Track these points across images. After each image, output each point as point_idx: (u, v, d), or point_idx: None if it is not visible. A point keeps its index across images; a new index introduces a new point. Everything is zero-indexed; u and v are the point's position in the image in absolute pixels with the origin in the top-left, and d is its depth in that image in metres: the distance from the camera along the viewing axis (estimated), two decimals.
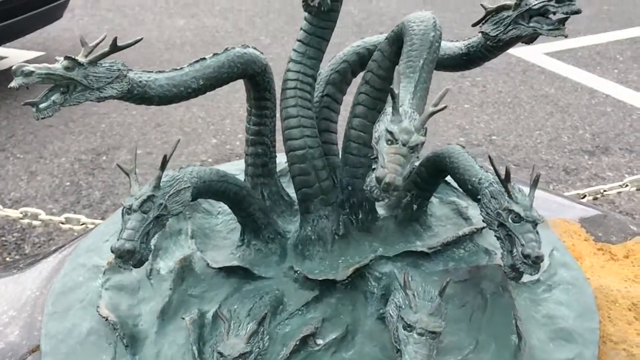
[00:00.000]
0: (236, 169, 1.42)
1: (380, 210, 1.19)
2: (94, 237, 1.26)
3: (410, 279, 0.89)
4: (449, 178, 1.27)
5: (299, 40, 1.14)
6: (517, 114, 4.39)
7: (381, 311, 1.01)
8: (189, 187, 0.95)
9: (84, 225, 2.02)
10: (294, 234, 1.16)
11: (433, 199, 1.27)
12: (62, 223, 2.16)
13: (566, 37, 0.97)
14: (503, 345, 0.97)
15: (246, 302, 1.03)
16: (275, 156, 1.26)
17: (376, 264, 1.08)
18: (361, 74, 1.21)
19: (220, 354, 0.89)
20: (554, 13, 0.97)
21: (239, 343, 0.91)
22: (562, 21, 0.96)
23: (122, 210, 0.91)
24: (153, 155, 4.03)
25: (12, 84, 0.92)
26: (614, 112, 4.36)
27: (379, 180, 0.77)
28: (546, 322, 1.02)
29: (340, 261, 1.10)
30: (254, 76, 1.16)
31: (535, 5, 0.98)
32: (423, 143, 0.82)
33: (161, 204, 0.91)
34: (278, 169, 1.29)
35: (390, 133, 0.80)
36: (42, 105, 0.94)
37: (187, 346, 0.98)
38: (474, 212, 1.24)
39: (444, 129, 4.24)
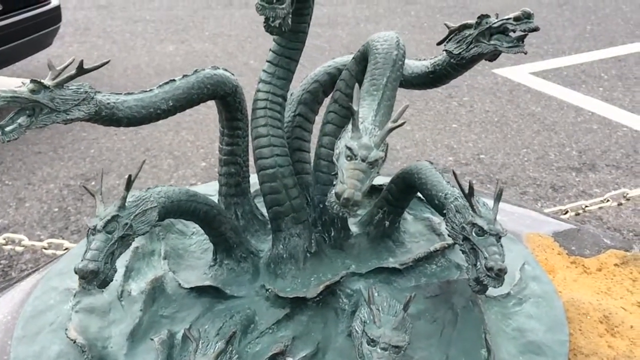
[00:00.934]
0: (213, 189, 1.42)
1: (353, 228, 1.20)
2: (67, 260, 1.26)
3: (375, 294, 0.90)
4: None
5: (268, 61, 1.16)
6: (505, 133, 4.42)
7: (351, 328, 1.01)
8: (155, 206, 0.96)
9: (66, 250, 2.01)
10: (267, 253, 1.17)
11: (407, 216, 1.28)
12: (45, 248, 2.15)
13: (525, 53, 0.99)
14: (473, 359, 0.97)
15: (217, 321, 1.03)
16: (249, 176, 1.26)
17: (348, 281, 1.08)
18: None
19: None
20: (514, 31, 0.99)
21: None
22: (521, 38, 0.98)
23: (87, 231, 0.91)
24: (141, 180, 4.04)
25: None
26: (600, 130, 4.40)
27: (338, 195, 0.78)
28: (516, 336, 1.02)
29: (312, 279, 1.10)
30: (225, 97, 1.17)
31: (495, 23, 1.00)
32: (383, 159, 0.83)
33: (126, 224, 0.91)
34: (253, 190, 1.30)
35: (350, 149, 0.81)
36: (7, 128, 0.95)
37: None
38: None
39: (432, 148, 4.26)
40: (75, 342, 1.01)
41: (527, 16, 0.96)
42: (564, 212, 2.12)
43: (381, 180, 1.33)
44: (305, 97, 1.25)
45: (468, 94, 4.94)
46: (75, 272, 0.86)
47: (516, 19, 0.97)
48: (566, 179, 3.86)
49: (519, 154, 4.14)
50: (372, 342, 0.82)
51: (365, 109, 0.95)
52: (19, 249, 2.15)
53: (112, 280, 0.89)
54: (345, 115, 1.13)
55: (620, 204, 2.10)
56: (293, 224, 1.12)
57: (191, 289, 1.10)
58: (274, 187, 1.11)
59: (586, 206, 2.10)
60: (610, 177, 3.84)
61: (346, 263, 1.13)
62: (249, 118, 1.20)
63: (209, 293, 1.09)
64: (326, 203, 0.83)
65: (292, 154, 1.19)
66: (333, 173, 0.85)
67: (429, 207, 1.31)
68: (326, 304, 1.06)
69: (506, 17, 0.99)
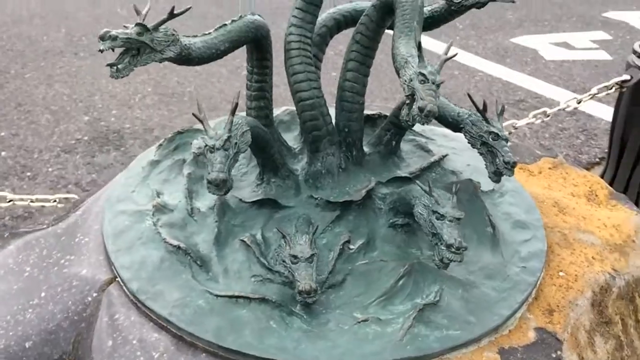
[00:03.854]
0: None
1: (366, 148, 1.51)
2: (119, 190, 1.43)
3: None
4: None
5: (297, 8, 1.41)
6: (380, 79, 4.88)
7: (391, 221, 1.34)
8: (248, 130, 1.19)
9: (55, 203, 2.08)
10: (302, 172, 1.44)
11: None
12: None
13: (514, 2, 1.36)
14: (482, 235, 1.35)
15: (285, 224, 1.30)
16: (273, 108, 1.52)
17: (377, 187, 1.40)
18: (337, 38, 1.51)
19: (294, 256, 1.16)
20: None
21: (306, 248, 1.18)
22: None
23: (204, 149, 1.13)
24: (20, 137, 3.99)
25: (101, 47, 1.10)
26: (461, 75, 5.03)
27: (421, 109, 1.08)
28: (506, 218, 1.42)
29: (347, 188, 1.40)
30: (260, 39, 1.40)
31: None
32: (442, 82, 1.15)
33: (235, 143, 1.15)
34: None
35: (423, 75, 1.12)
36: (120, 66, 1.13)
37: (249, 261, 1.23)
38: (433, 146, 1.61)
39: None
40: (179, 247, 1.23)
41: None
42: None
43: (370, 112, 1.66)
44: (316, 40, 1.52)
45: (343, 42, 5.32)
46: (210, 182, 1.08)
47: None
48: None
49: (395, 99, 4.64)
50: (442, 217, 1.15)
51: (407, 47, 1.25)
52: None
53: (232, 188, 1.12)
54: (365, 54, 1.43)
55: (543, 121, 2.63)
56: (329, 145, 1.41)
57: (252, 202, 1.35)
58: (314, 114, 1.38)
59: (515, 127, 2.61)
60: None
61: (367, 176, 1.45)
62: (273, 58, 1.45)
63: (267, 205, 1.35)
64: (403, 117, 1.13)
65: None
66: (407, 94, 1.14)
67: (412, 130, 1.66)
68: (365, 206, 1.37)
69: None
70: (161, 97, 4.67)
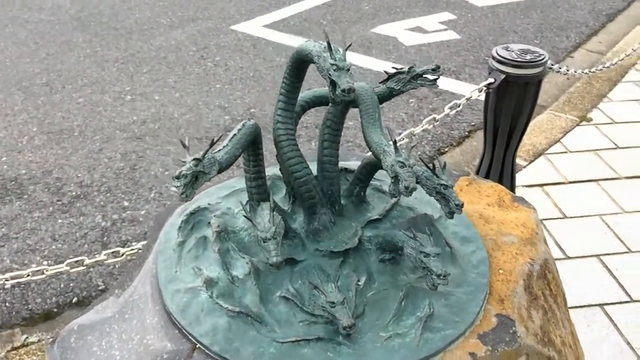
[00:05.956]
0: (224, 191, 2.12)
1: (343, 201, 2.04)
2: (163, 272, 1.86)
3: (414, 232, 1.79)
4: None
5: (280, 109, 1.90)
6: (263, 86, 5.38)
7: (380, 257, 1.90)
8: (281, 218, 1.69)
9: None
10: (302, 230, 1.95)
11: None
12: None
13: (438, 87, 1.95)
14: (445, 255, 1.95)
15: (306, 276, 1.81)
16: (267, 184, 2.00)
17: (362, 232, 1.95)
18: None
19: (332, 302, 1.68)
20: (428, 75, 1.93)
21: (337, 294, 1.70)
22: (435, 80, 1.93)
23: (258, 239, 1.61)
24: None
25: (176, 184, 1.53)
26: None
27: (406, 187, 1.63)
28: (454, 236, 2.03)
29: (340, 237, 1.94)
30: (257, 137, 1.88)
31: (421, 71, 1.92)
32: (415, 164, 1.71)
33: (279, 232, 1.64)
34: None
35: (401, 162, 1.67)
36: (187, 192, 1.57)
37: (292, 311, 1.74)
38: (386, 187, 2.18)
39: (207, 111, 5.02)
40: (240, 312, 1.70)
41: (438, 68, 1.91)
42: None
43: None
44: None
45: (218, 54, 5.74)
46: (272, 265, 1.57)
47: (433, 70, 1.91)
48: None
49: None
50: (427, 255, 1.72)
51: (377, 135, 1.79)
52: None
53: (284, 265, 1.62)
54: (335, 134, 1.96)
55: (434, 126, 3.28)
56: (321, 207, 1.93)
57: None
58: (308, 188, 1.90)
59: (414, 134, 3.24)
60: None
61: (349, 223, 1.99)
62: (262, 148, 1.94)
63: (287, 263, 1.85)
64: (391, 191, 1.67)
65: None
66: (392, 176, 1.67)
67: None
68: (357, 249, 1.91)
69: (425, 67, 1.93)
70: (50, 136, 4.84)
